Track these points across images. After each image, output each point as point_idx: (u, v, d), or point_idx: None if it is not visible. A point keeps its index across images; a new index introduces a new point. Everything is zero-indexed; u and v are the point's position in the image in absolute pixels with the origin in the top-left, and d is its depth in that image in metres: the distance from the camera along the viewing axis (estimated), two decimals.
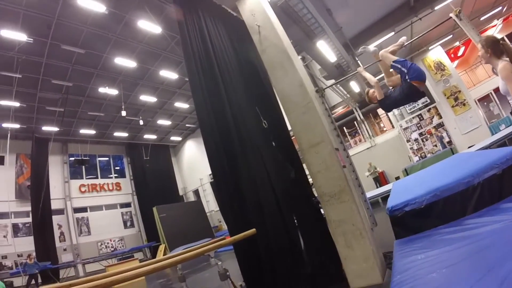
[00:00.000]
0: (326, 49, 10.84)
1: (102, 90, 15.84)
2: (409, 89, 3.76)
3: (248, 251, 4.13)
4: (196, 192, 26.26)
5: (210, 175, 22.74)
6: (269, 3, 5.17)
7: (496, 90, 17.78)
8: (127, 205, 23.54)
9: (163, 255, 15.96)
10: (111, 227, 21.54)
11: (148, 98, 18.21)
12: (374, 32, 13.78)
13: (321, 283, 4.08)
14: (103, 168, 23.51)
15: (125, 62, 14.18)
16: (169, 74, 16.13)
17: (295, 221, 4.46)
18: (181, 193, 26.37)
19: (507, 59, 2.57)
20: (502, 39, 2.78)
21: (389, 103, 4.13)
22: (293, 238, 4.22)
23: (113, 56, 13.76)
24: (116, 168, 24.42)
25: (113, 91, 16.15)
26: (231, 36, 5.43)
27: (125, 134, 22.34)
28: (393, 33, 13.73)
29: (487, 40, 2.75)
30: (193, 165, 25.81)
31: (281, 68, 4.45)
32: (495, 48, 2.66)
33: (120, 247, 21.11)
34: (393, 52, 4.10)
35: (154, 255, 18.73)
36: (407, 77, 3.74)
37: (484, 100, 19.49)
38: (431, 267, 2.70)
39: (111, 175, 23.86)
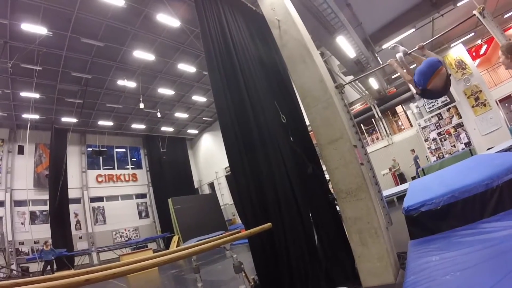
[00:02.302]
0: (346, 45, 10.77)
1: (121, 82, 16.08)
2: (431, 93, 3.60)
3: (263, 245, 4.14)
4: (211, 185, 26.51)
5: (225, 168, 22.97)
6: None
7: None
8: (143, 196, 23.94)
9: (177, 246, 16.20)
10: (126, 217, 21.97)
11: (166, 91, 18.41)
12: (395, 28, 13.56)
13: (335, 279, 4.08)
14: (120, 159, 23.94)
15: (143, 55, 14.35)
16: (187, 68, 16.25)
17: (311, 217, 4.46)
18: (196, 185, 26.68)
19: None
20: None
21: (427, 96, 3.93)
22: (309, 234, 4.22)
23: (132, 49, 13.94)
24: (133, 159, 24.82)
25: (131, 84, 16.38)
26: (250, 30, 5.43)
27: (142, 126, 22.66)
28: (413, 29, 13.49)
29: (507, 46, 2.81)
30: (209, 158, 26.10)
31: (302, 63, 4.43)
32: None
33: (135, 236, 21.51)
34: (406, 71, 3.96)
35: (167, 246, 19.01)
36: (420, 88, 3.60)
37: (506, 101, 18.91)
38: (446, 269, 2.67)
39: (128, 166, 24.30)
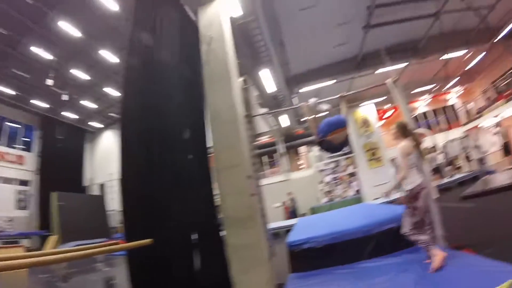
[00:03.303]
0: (268, 79, 11.11)
1: (36, 50, 14.26)
2: (327, 145, 4.03)
3: (141, 262, 3.93)
4: (103, 187, 24.77)
5: (119, 173, 21.66)
6: (229, 19, 5.20)
7: None
8: (26, 183, 21.05)
9: (53, 247, 14.60)
10: (1, 203, 19.05)
11: (81, 74, 16.82)
12: (317, 76, 14.60)
13: None
14: (10, 135, 20.90)
15: (70, 29, 13.09)
16: (110, 56, 15.24)
17: (196, 240, 4.36)
18: (86, 183, 24.54)
19: (410, 140, 3.49)
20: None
21: (323, 147, 4.28)
22: (191, 258, 4.11)
23: (59, 18, 12.56)
24: (25, 139, 21.84)
25: (47, 55, 14.64)
26: (182, 39, 5.30)
27: (44, 105, 20.14)
28: (334, 81, 14.68)
29: (399, 124, 3.69)
30: (106, 158, 24.32)
31: (219, 84, 4.45)
32: (403, 131, 3.59)
33: (8, 228, 18.71)
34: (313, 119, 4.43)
35: (43, 245, 16.95)
36: (320, 135, 4.02)
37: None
38: None
39: (17, 146, 21.30)
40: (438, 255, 3.12)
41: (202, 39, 4.88)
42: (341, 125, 4.00)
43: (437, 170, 17.23)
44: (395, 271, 3.40)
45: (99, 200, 21.44)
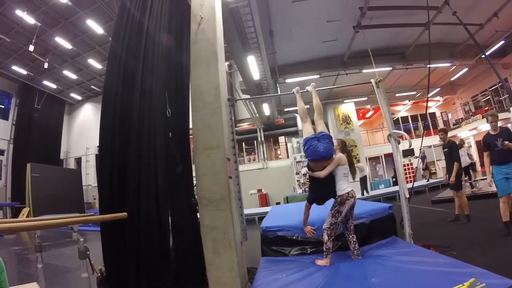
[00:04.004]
0: (254, 66, 11.06)
1: (20, 13, 13.62)
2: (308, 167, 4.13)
3: (115, 235, 3.95)
4: (79, 161, 24.42)
5: (98, 146, 21.26)
6: (221, 1, 5.15)
7: (387, 155, 20.58)
8: (0, 152, 20.62)
9: None
10: None
11: (63, 42, 16.22)
12: (303, 69, 14.70)
13: (183, 282, 4.09)
14: None
15: None
16: (95, 27, 14.70)
17: (170, 216, 4.38)
18: (62, 156, 24.15)
19: (346, 155, 4.09)
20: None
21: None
22: (164, 233, 4.11)
23: None
24: (0, 106, 21.23)
25: (30, 19, 13.99)
26: (171, 15, 5.21)
27: (24, 72, 19.44)
28: (318, 76, 14.80)
29: (342, 141, 4.36)
30: (84, 131, 24.04)
31: (205, 65, 4.40)
32: (343, 147, 4.23)
33: None
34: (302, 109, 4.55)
35: (15, 217, 16.47)
36: (305, 149, 4.11)
37: (374, 160, 22.16)
38: (289, 287, 2.97)
39: None
40: (325, 262, 3.62)
41: (192, 19, 4.82)
42: (325, 158, 3.94)
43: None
44: (363, 262, 3.57)
45: (75, 174, 21.03)
